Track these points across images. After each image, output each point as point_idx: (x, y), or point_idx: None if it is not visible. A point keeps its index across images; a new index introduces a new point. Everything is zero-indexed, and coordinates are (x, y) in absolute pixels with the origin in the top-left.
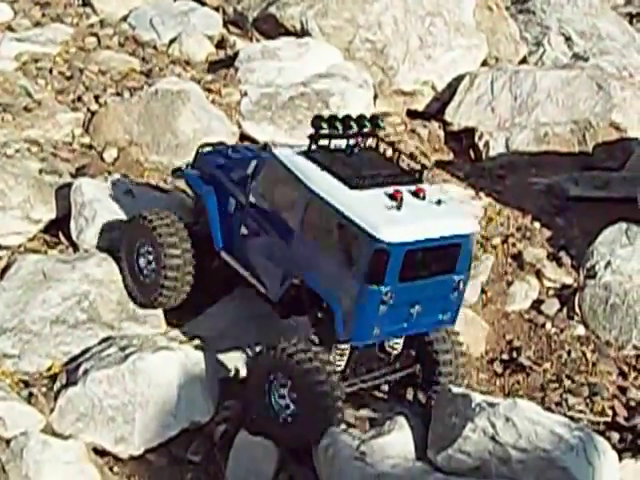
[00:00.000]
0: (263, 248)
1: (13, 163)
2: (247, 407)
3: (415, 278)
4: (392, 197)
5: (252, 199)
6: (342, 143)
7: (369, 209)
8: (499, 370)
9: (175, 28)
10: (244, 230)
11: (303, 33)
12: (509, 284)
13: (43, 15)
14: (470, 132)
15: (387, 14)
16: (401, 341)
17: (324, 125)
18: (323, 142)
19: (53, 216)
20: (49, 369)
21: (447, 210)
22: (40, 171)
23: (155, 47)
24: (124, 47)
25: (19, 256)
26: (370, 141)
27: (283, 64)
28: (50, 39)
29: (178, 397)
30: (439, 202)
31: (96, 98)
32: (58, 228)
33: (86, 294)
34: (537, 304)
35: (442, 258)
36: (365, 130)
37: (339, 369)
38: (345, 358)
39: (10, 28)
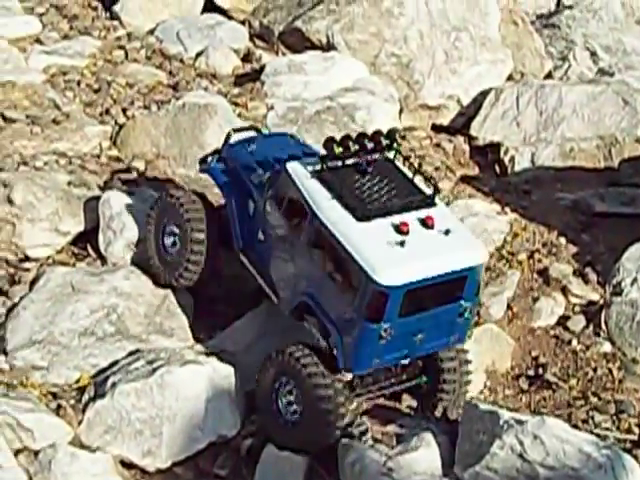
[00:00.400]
0: (276, 259)
1: (42, 175)
2: (256, 411)
3: (417, 312)
4: (398, 229)
5: (268, 207)
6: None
7: (372, 246)
8: (525, 386)
9: (202, 41)
10: (261, 236)
11: (329, 47)
12: (535, 300)
13: (71, 28)
14: (495, 147)
15: (413, 28)
16: None
17: (336, 148)
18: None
19: (81, 228)
20: (77, 381)
21: (454, 242)
22: (69, 183)
23: (182, 60)
24: (151, 60)
25: (48, 268)
26: (388, 155)
27: (309, 78)
28: (78, 52)
29: (205, 411)
30: (447, 232)
31: (124, 111)
32: (86, 240)
33: (114, 307)
34: (563, 320)
35: (447, 290)
36: (381, 145)
37: (346, 379)
38: None
39: (39, 41)
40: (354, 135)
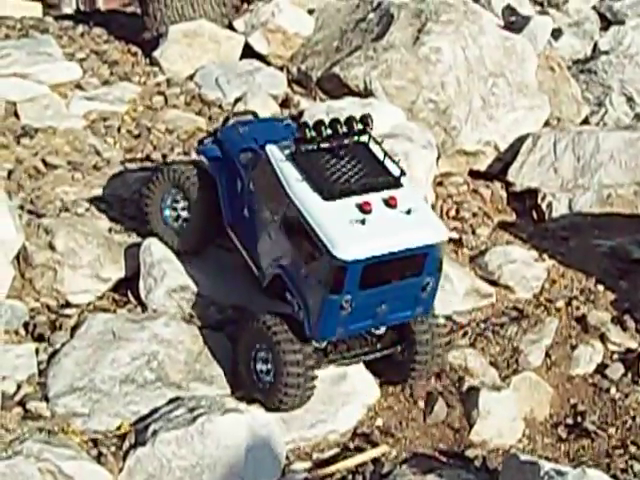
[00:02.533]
0: (257, 235)
1: (83, 222)
2: (235, 373)
3: (377, 285)
4: (361, 208)
5: (251, 186)
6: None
7: (334, 224)
8: (564, 435)
9: (240, 87)
10: (246, 213)
11: (366, 93)
12: (573, 348)
13: (111, 74)
14: (533, 193)
15: (450, 75)
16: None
17: (309, 132)
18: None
19: (122, 275)
20: (118, 429)
21: (415, 220)
22: (110, 230)
23: (221, 106)
24: (190, 106)
25: (89, 315)
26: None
27: None
28: (118, 98)
29: (245, 459)
30: (409, 212)
31: (164, 157)
32: (127, 287)
33: (155, 354)
34: (601, 368)
35: (407, 266)
36: (354, 129)
37: (320, 346)
38: None
39: (79, 87)
40: (327, 121)
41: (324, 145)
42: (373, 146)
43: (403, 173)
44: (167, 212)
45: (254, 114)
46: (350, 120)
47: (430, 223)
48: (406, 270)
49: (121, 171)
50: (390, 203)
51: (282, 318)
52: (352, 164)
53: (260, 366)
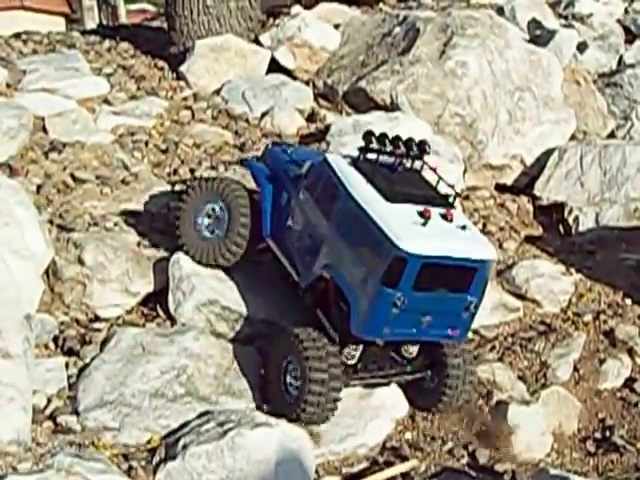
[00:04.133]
0: (303, 240)
1: (112, 236)
2: (265, 387)
3: (429, 290)
4: (421, 214)
5: (301, 196)
6: (389, 160)
7: (397, 221)
8: (592, 449)
9: (267, 102)
10: (290, 222)
11: (393, 107)
12: (601, 362)
13: (138, 88)
14: (559, 207)
15: (476, 89)
16: (417, 347)
17: (374, 140)
18: (371, 156)
19: (151, 289)
20: (148, 442)
21: (469, 236)
22: (138, 244)
23: (247, 120)
24: (217, 120)
25: (118, 329)
26: (416, 164)
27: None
28: (145, 112)
29: (276, 474)
30: (464, 227)
31: (191, 171)
32: (156, 301)
33: (184, 368)
34: (630, 382)
35: (457, 278)
36: (412, 152)
37: (351, 362)
38: (358, 353)
39: (107, 101)
40: (390, 136)
41: (384, 158)
42: (426, 173)
43: (458, 195)
44: (202, 223)
45: (291, 145)
46: (409, 142)
47: (483, 241)
48: (456, 282)
49: (149, 185)
50: (447, 217)
51: (315, 333)
52: (407, 180)
53: (289, 379)
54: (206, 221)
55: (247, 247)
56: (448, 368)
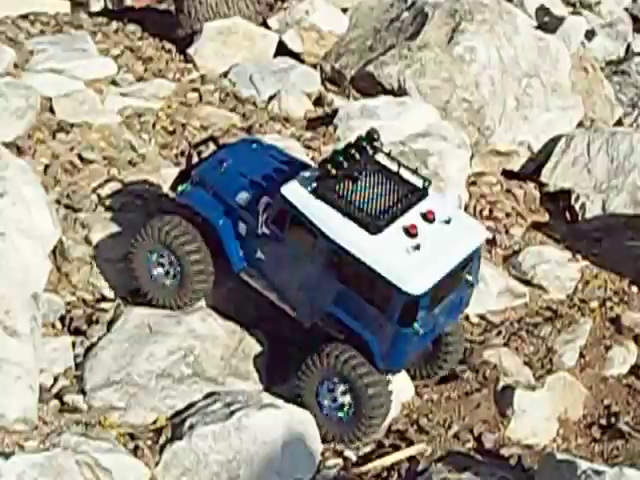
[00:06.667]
0: (286, 275)
1: (119, 217)
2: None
3: (439, 302)
4: (409, 233)
5: (265, 230)
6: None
7: (392, 258)
8: (597, 435)
9: (275, 85)
10: (261, 255)
11: (400, 92)
12: (607, 348)
13: (145, 70)
14: (566, 194)
15: (484, 74)
16: None
17: (332, 170)
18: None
19: None
20: (154, 422)
21: (457, 229)
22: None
23: (255, 103)
24: (225, 103)
25: (125, 309)
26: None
27: (382, 123)
28: (153, 94)
29: (282, 455)
30: (448, 221)
31: (199, 154)
32: None
33: (191, 349)
34: (635, 369)
35: (459, 273)
36: (367, 151)
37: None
38: None
39: (114, 83)
40: (341, 149)
41: (344, 174)
42: (385, 162)
43: (428, 181)
44: (157, 271)
45: (213, 139)
46: (358, 140)
47: (470, 226)
48: (459, 277)
49: (156, 167)
50: (428, 217)
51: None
52: (375, 187)
53: (329, 401)
54: (159, 270)
55: (212, 281)
56: (448, 337)
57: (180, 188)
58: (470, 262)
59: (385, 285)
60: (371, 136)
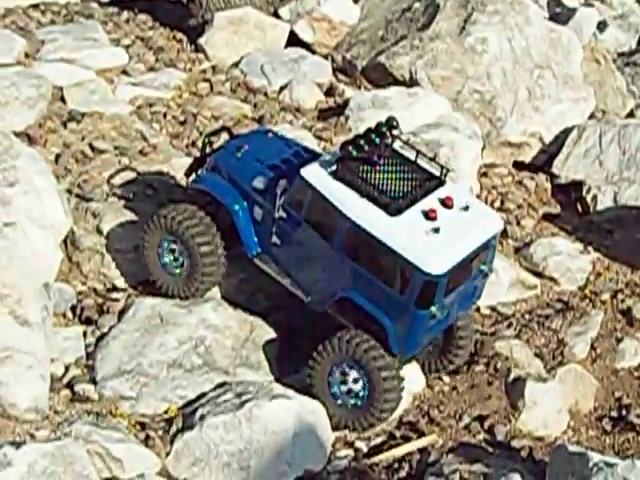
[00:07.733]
0: (301, 259)
1: (130, 206)
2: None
3: (456, 286)
4: (428, 217)
5: (282, 213)
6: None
7: (412, 239)
8: (608, 427)
9: (286, 75)
10: (276, 240)
11: (412, 82)
12: (619, 341)
13: (157, 60)
14: (578, 185)
15: (496, 65)
16: None
17: (353, 151)
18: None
19: None
20: (165, 412)
21: (475, 216)
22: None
23: (266, 94)
24: (236, 93)
25: (136, 299)
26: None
27: (393, 113)
28: (164, 84)
29: (293, 445)
30: (466, 208)
31: (210, 143)
32: None
33: (202, 339)
34: None
35: (476, 260)
36: (385, 136)
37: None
38: None
39: (125, 72)
40: (362, 133)
41: (365, 157)
42: (404, 150)
43: (446, 169)
44: (168, 260)
45: (228, 129)
46: (378, 126)
47: (487, 214)
48: (475, 265)
49: (168, 156)
50: (447, 203)
51: (370, 335)
52: (395, 173)
53: (343, 387)
54: (170, 258)
55: (223, 271)
56: (461, 339)
57: (194, 176)
58: (485, 250)
59: (404, 265)
60: (390, 123)
